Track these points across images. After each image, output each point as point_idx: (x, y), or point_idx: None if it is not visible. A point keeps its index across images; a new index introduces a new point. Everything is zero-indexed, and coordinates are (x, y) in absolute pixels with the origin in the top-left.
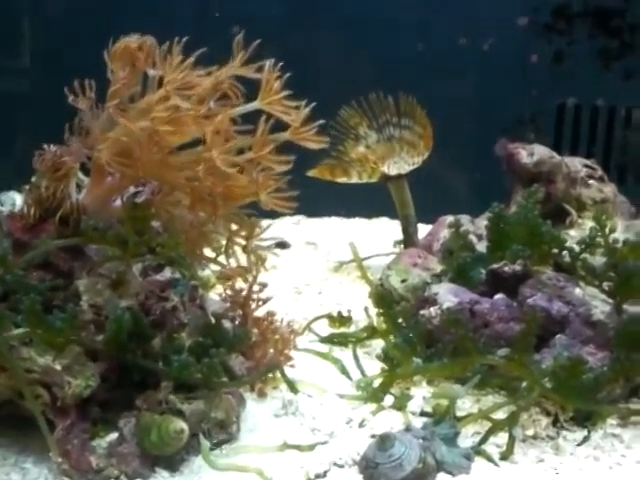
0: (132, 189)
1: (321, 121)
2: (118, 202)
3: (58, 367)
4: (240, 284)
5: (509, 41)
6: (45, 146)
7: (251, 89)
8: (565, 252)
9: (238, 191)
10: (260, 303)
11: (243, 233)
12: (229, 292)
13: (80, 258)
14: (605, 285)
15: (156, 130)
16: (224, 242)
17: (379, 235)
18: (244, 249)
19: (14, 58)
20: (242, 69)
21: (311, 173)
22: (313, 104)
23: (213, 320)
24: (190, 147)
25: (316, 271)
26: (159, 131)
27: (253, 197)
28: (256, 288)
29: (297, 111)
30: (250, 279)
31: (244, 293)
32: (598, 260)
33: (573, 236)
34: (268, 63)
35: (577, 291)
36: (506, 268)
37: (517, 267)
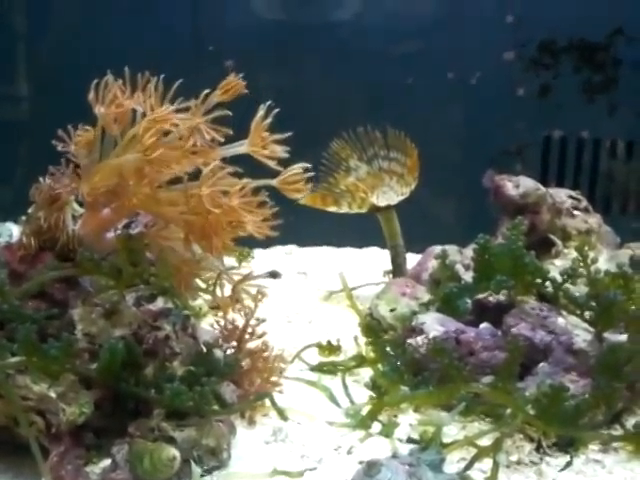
0: (126, 221)
1: (307, 165)
2: (112, 234)
3: (53, 395)
4: (233, 315)
5: (496, 75)
6: (40, 179)
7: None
8: (548, 282)
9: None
10: (255, 337)
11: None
12: (224, 324)
13: (75, 288)
14: (587, 314)
15: (145, 163)
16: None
17: (369, 264)
18: (233, 289)
19: (11, 86)
20: (224, 95)
21: (302, 201)
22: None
23: (205, 349)
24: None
25: (306, 300)
26: (147, 164)
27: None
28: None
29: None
30: (248, 313)
31: (241, 326)
32: (582, 289)
33: (559, 266)
34: (261, 107)
35: (560, 320)
36: (491, 298)
37: (501, 297)
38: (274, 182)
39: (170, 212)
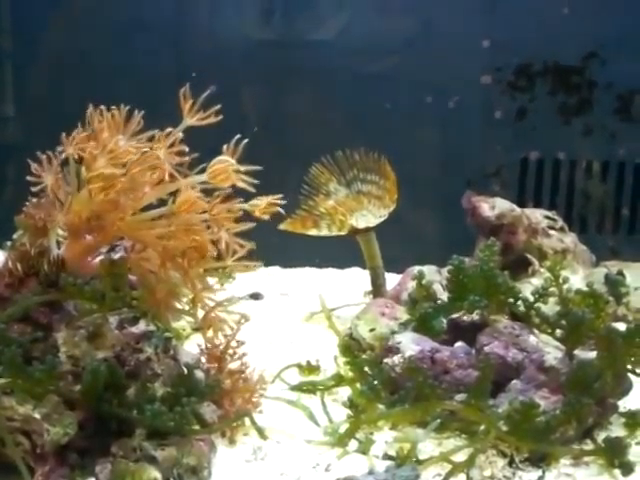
0: (109, 246)
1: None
2: (95, 258)
3: (38, 416)
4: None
5: (474, 99)
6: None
7: None
8: (520, 302)
9: (204, 254)
10: (235, 357)
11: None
12: (206, 345)
13: (59, 312)
14: (557, 332)
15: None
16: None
17: (351, 285)
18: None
19: None
20: (193, 120)
21: (283, 226)
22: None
23: (185, 370)
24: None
25: (288, 321)
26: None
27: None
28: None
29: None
30: (229, 335)
31: (222, 347)
32: (556, 308)
33: (535, 284)
34: (224, 148)
35: (531, 338)
36: (465, 317)
37: (475, 317)
38: (246, 206)
39: (148, 236)
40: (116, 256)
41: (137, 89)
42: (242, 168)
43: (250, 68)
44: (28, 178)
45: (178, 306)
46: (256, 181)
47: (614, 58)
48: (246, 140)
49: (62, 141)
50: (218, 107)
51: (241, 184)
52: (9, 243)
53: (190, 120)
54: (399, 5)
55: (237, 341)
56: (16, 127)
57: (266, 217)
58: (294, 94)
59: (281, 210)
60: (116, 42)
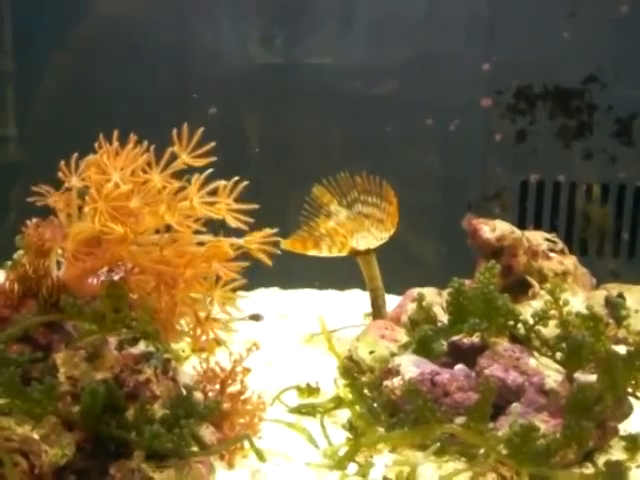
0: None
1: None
2: (95, 279)
3: (36, 436)
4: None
5: (474, 122)
6: (26, 225)
7: None
8: (520, 324)
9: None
10: (235, 379)
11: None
12: (205, 367)
13: (58, 332)
14: (557, 355)
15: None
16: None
17: (351, 306)
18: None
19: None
20: (188, 159)
21: (283, 245)
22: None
23: (184, 392)
24: None
25: (288, 343)
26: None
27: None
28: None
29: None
30: (236, 360)
31: (225, 370)
32: (556, 331)
33: (536, 307)
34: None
35: (531, 361)
36: (465, 340)
37: (475, 339)
38: (241, 241)
39: (143, 260)
40: (116, 277)
41: (139, 112)
42: (238, 206)
43: (252, 91)
44: (47, 201)
45: (178, 327)
46: (256, 206)
47: (614, 81)
48: (246, 182)
49: (63, 170)
50: (212, 144)
51: (236, 223)
52: (9, 263)
53: (185, 159)
54: (399, 28)
55: (244, 368)
56: (17, 148)
57: (266, 261)
58: (295, 116)
59: (278, 239)
60: (118, 64)
